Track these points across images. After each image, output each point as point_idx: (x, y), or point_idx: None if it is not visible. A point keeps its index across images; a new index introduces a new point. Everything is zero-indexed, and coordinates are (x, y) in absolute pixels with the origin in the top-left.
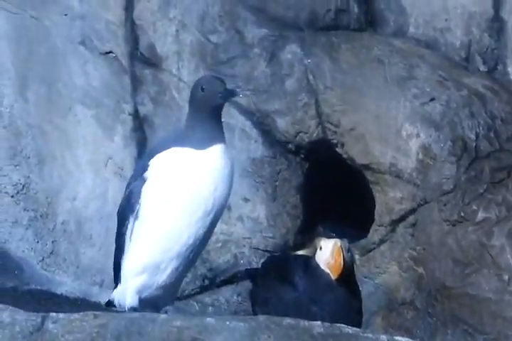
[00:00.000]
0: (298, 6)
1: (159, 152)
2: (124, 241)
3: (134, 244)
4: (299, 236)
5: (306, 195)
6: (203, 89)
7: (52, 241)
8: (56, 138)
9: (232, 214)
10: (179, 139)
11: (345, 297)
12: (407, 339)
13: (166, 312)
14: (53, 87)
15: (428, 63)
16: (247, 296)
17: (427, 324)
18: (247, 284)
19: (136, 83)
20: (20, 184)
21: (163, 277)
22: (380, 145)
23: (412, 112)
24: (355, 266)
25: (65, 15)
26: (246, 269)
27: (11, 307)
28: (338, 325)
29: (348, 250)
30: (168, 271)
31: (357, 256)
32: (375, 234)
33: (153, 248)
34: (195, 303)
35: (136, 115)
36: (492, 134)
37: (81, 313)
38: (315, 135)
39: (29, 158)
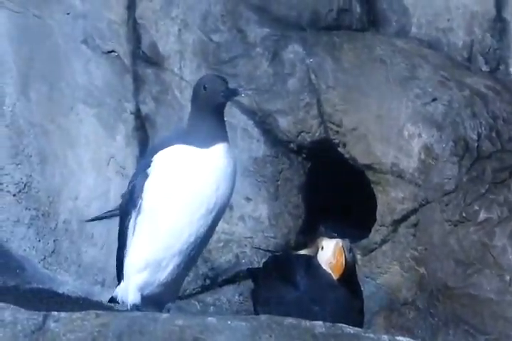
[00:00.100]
0: (300, 6)
1: (162, 149)
2: (126, 236)
3: (136, 240)
4: (300, 235)
5: (308, 194)
6: (205, 88)
7: (54, 240)
8: (58, 137)
9: (234, 213)
10: (182, 137)
11: (346, 297)
12: (408, 339)
13: (168, 310)
14: (55, 86)
15: (430, 63)
16: (249, 296)
17: (429, 324)
18: (248, 284)
19: (138, 82)
20: (22, 183)
21: (164, 274)
22: (382, 145)
23: (414, 112)
24: (356, 266)
25: (68, 14)
26: (248, 269)
27: (12, 306)
28: (340, 324)
29: (350, 250)
30: (170, 268)
31: (359, 256)
32: (376, 234)
33: (155, 245)
34: (196, 303)
35: (138, 114)
36: (494, 134)
37: (83, 312)
38: (317, 134)
39: (31, 156)
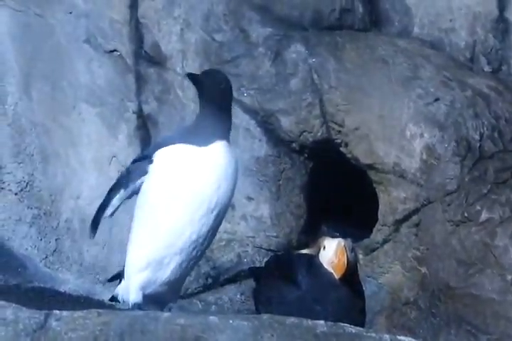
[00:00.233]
0: (302, 6)
1: (162, 147)
2: (104, 209)
3: (137, 239)
4: (302, 235)
5: (310, 194)
6: (220, 84)
7: (56, 239)
8: (60, 136)
9: (235, 213)
10: (182, 136)
11: (348, 296)
12: (410, 338)
13: (169, 309)
14: (57, 85)
15: (432, 63)
16: (251, 295)
17: (430, 324)
18: (250, 283)
19: (140, 82)
20: (24, 182)
21: (166, 273)
22: (384, 145)
23: (416, 112)
24: (358, 265)
25: (70, 13)
26: (249, 268)
27: (14, 305)
28: (342, 324)
29: (352, 249)
30: (172, 267)
31: (360, 256)
32: (378, 233)
33: (156, 243)
34: (198, 302)
35: (140, 113)
36: (496, 135)
37: (84, 311)
38: (319, 134)
39: (33, 155)
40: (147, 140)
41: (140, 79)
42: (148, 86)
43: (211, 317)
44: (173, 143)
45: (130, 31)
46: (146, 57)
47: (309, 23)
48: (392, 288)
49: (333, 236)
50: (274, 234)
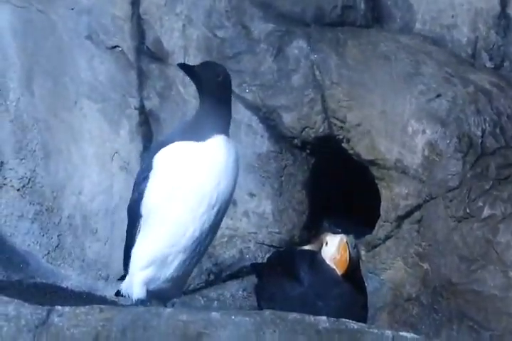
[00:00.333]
0: (304, 2)
1: (163, 147)
2: (134, 237)
3: (142, 237)
4: (304, 231)
5: (312, 190)
6: (218, 76)
7: (58, 235)
8: (62, 133)
9: (237, 209)
10: (181, 133)
11: (350, 292)
12: (412, 334)
13: (173, 305)
14: (59, 81)
15: (434, 60)
16: (253, 291)
17: (432, 320)
18: (252, 279)
19: (142, 78)
20: (26, 178)
21: (170, 270)
22: (386, 141)
23: (418, 108)
24: (360, 261)
25: (72, 9)
26: (251, 264)
27: (16, 301)
28: (344, 320)
29: (354, 246)
30: (175, 264)
31: (362, 252)
32: (380, 229)
33: (160, 242)
34: (200, 298)
35: (142, 109)
36: (498, 131)
37: (87, 307)
38: (321, 130)
39: (35, 151)
40: (149, 136)
41: (142, 75)
42: (150, 82)
43: (213, 313)
44: (172, 142)
45: (132, 27)
46: (148, 53)
47: (311, 19)
48: (394, 284)
49: (335, 232)
50: (276, 230)
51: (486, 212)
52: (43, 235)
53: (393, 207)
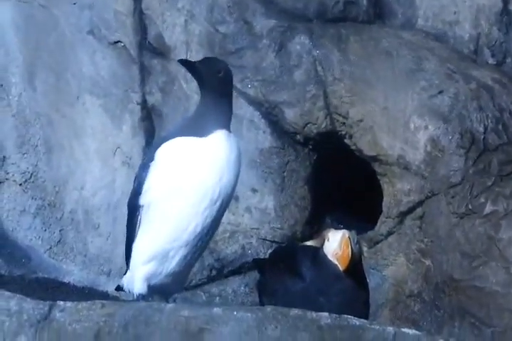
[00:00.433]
0: None
1: (164, 142)
2: (134, 231)
3: (143, 232)
4: (306, 227)
5: (314, 186)
6: (219, 72)
7: (60, 230)
8: (64, 127)
9: (240, 204)
10: (182, 129)
11: (352, 288)
12: (414, 331)
13: (174, 301)
14: (62, 76)
15: (436, 56)
16: (255, 287)
17: (434, 316)
18: (254, 275)
19: (144, 73)
20: (28, 172)
21: (171, 265)
22: (388, 137)
23: (420, 104)
24: (362, 257)
25: (74, 4)
26: (253, 260)
27: (18, 296)
28: (346, 316)
29: (356, 241)
30: (177, 259)
31: (365, 248)
32: (382, 225)
33: (162, 237)
34: (202, 293)
35: (144, 105)
36: (500, 127)
37: (88, 302)
38: (323, 126)
39: (37, 146)
40: (151, 131)
41: (144, 71)
42: (152, 77)
43: (215, 309)
44: (174, 137)
45: (134, 22)
46: (150, 49)
47: (313, 15)
48: (396, 280)
49: (337, 228)
50: (279, 226)
51: (488, 208)
52: (45, 230)
53: (395, 203)
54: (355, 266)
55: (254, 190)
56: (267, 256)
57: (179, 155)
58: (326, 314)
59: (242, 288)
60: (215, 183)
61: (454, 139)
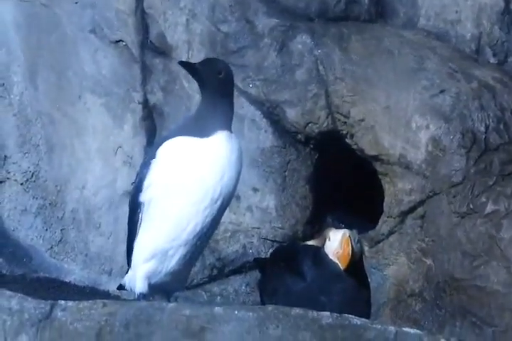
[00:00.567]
0: None
1: (166, 141)
2: (135, 228)
3: (144, 230)
4: (308, 226)
5: (316, 185)
6: (220, 73)
7: (61, 230)
8: (66, 127)
9: (241, 204)
10: (184, 128)
11: (353, 287)
12: (415, 330)
13: (175, 299)
14: (63, 75)
15: (438, 55)
16: (256, 286)
17: (435, 316)
18: (255, 274)
19: (146, 72)
20: (30, 172)
21: (171, 263)
22: (389, 137)
23: (421, 104)
24: (364, 257)
25: (76, 3)
26: (255, 259)
27: (19, 295)
28: (347, 315)
29: (357, 241)
30: (176, 257)
31: (366, 248)
32: (383, 225)
33: (162, 235)
34: (203, 293)
35: (145, 104)
36: (502, 126)
37: (90, 301)
38: (324, 125)
39: (38, 145)
40: (153, 130)
41: (146, 70)
42: (153, 76)
43: (216, 308)
44: (175, 136)
45: (136, 21)
46: (151, 48)
47: (315, 14)
48: (398, 279)
49: (338, 228)
50: (280, 225)
51: (490, 207)
52: (47, 229)
53: (396, 202)
54: (356, 266)
55: (255, 190)
56: (268, 255)
57: (181, 153)
58: (327, 313)
59: (243, 287)
60: (216, 183)
61: (456, 139)
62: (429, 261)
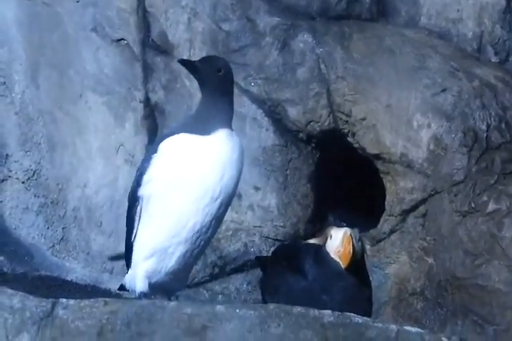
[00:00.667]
0: None
1: (166, 138)
2: (133, 223)
3: (143, 228)
4: (309, 225)
5: (317, 184)
6: (220, 71)
7: (63, 228)
8: (67, 125)
9: (242, 202)
10: (185, 126)
11: (355, 286)
12: (416, 329)
13: (177, 298)
14: (65, 74)
15: (440, 54)
16: (257, 284)
17: (437, 314)
18: (257, 273)
19: (147, 70)
20: (31, 170)
21: (171, 262)
22: (391, 135)
23: (423, 102)
24: (365, 255)
25: (77, 1)
26: (256, 258)
27: (21, 293)
28: (348, 314)
29: (359, 239)
30: (176, 256)
31: (367, 246)
32: (385, 223)
33: (161, 233)
34: (205, 291)
35: (147, 102)
36: (503, 125)
37: (91, 300)
38: (326, 124)
39: (40, 144)
40: (154, 129)
41: (147, 68)
42: (155, 75)
43: (218, 307)
44: (177, 133)
45: (137, 20)
46: (153, 46)
47: (317, 13)
48: (399, 278)
49: (339, 226)
50: (281, 224)
51: (491, 206)
52: (48, 228)
53: (398, 201)
54: (358, 264)
55: (256, 188)
56: (270, 253)
57: (182, 149)
58: (328, 312)
59: (245, 285)
60: (216, 181)
61: (457, 137)
62: (430, 260)
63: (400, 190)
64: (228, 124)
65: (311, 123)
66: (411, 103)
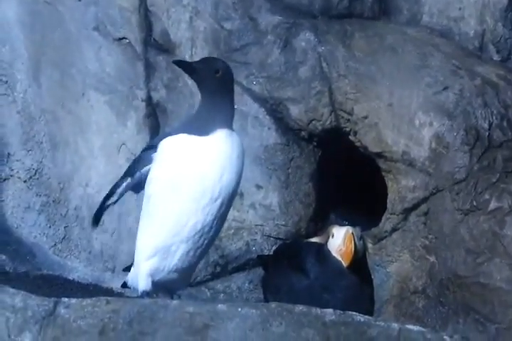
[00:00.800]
0: None
1: (166, 137)
2: (110, 197)
3: (144, 227)
4: (311, 223)
5: (319, 182)
6: (217, 72)
7: (65, 227)
8: (69, 124)
9: (244, 201)
10: (185, 126)
11: (357, 284)
12: (418, 327)
13: (179, 296)
14: (67, 73)
15: (441, 52)
16: (259, 283)
17: (439, 313)
18: (259, 271)
19: (149, 69)
20: (33, 169)
21: (174, 261)
22: (392, 134)
23: (425, 101)
24: (367, 254)
25: (79, 0)
26: (258, 256)
27: (23, 292)
28: (350, 312)
29: (361, 238)
30: (179, 255)
31: (369, 245)
32: (387, 222)
33: (163, 232)
34: (206, 290)
35: (149, 101)
36: (505, 123)
37: (93, 299)
38: (328, 123)
39: (42, 143)
40: (156, 127)
41: (149, 67)
42: (157, 74)
43: (220, 305)
44: (176, 134)
45: (139, 19)
46: (155, 45)
47: (318, 11)
48: (401, 276)
49: (341, 225)
50: (283, 223)
51: (493, 204)
52: (50, 227)
53: (400, 199)
54: (359, 263)
55: (258, 187)
56: (272, 252)
57: (181, 149)
58: (330, 310)
59: (247, 284)
60: (216, 181)
61: (459, 136)
62: (432, 258)
63: (402, 188)
64: (228, 124)
65: (313, 122)
66: (413, 101)
